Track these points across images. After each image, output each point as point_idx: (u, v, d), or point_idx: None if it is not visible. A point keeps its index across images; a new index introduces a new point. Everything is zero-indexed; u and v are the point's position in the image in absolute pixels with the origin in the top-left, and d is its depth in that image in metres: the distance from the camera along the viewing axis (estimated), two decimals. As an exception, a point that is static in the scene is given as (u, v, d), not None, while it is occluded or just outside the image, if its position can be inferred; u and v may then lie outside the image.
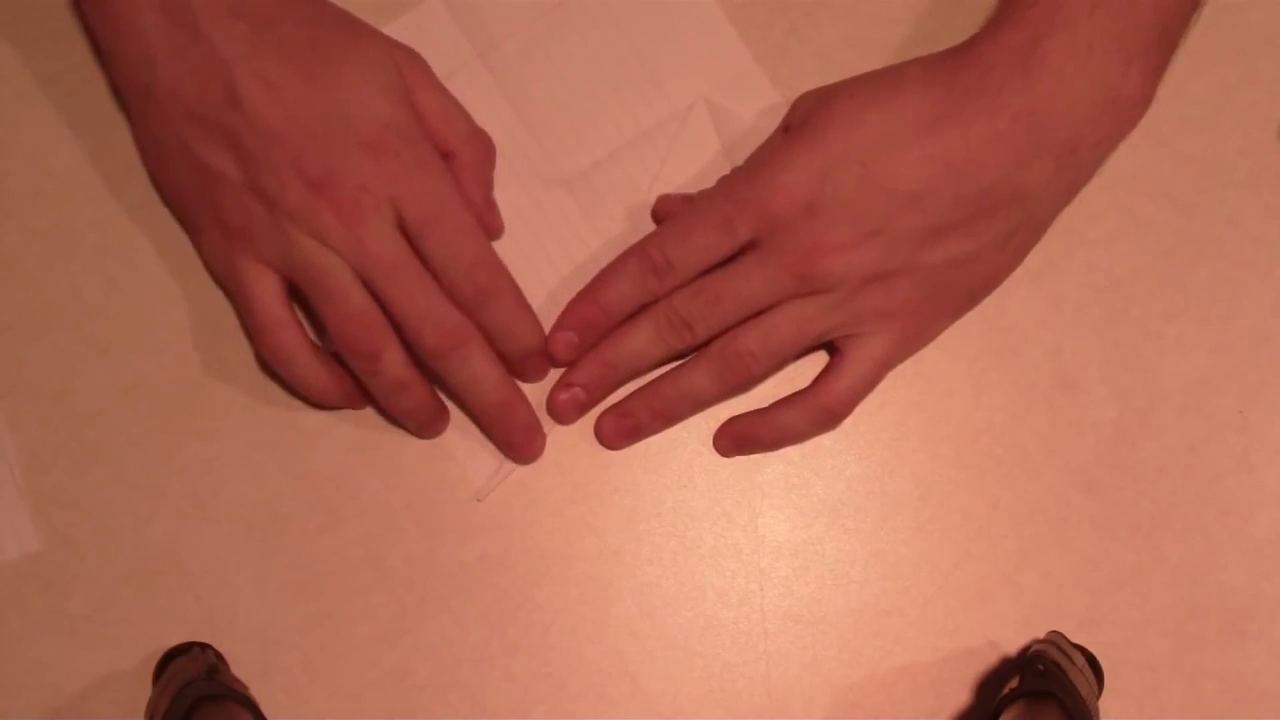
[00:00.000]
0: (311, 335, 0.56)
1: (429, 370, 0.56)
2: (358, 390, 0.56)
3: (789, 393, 0.57)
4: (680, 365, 0.57)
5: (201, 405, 0.57)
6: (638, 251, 0.56)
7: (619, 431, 0.57)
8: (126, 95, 0.57)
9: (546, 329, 0.57)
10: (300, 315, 0.56)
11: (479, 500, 0.57)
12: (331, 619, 0.57)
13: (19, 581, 0.56)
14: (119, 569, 0.57)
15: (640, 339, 0.56)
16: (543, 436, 0.57)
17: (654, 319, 0.56)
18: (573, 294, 0.57)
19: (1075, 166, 0.54)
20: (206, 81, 0.53)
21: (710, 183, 0.57)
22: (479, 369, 0.55)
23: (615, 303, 0.56)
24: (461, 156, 0.56)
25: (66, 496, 0.57)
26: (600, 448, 0.58)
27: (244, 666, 0.55)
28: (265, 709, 0.51)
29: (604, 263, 0.57)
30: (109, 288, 0.58)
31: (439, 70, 0.58)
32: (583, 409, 0.57)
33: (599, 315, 0.56)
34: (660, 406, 0.57)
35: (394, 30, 0.58)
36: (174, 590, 0.56)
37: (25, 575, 0.56)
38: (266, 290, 0.54)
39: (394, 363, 0.54)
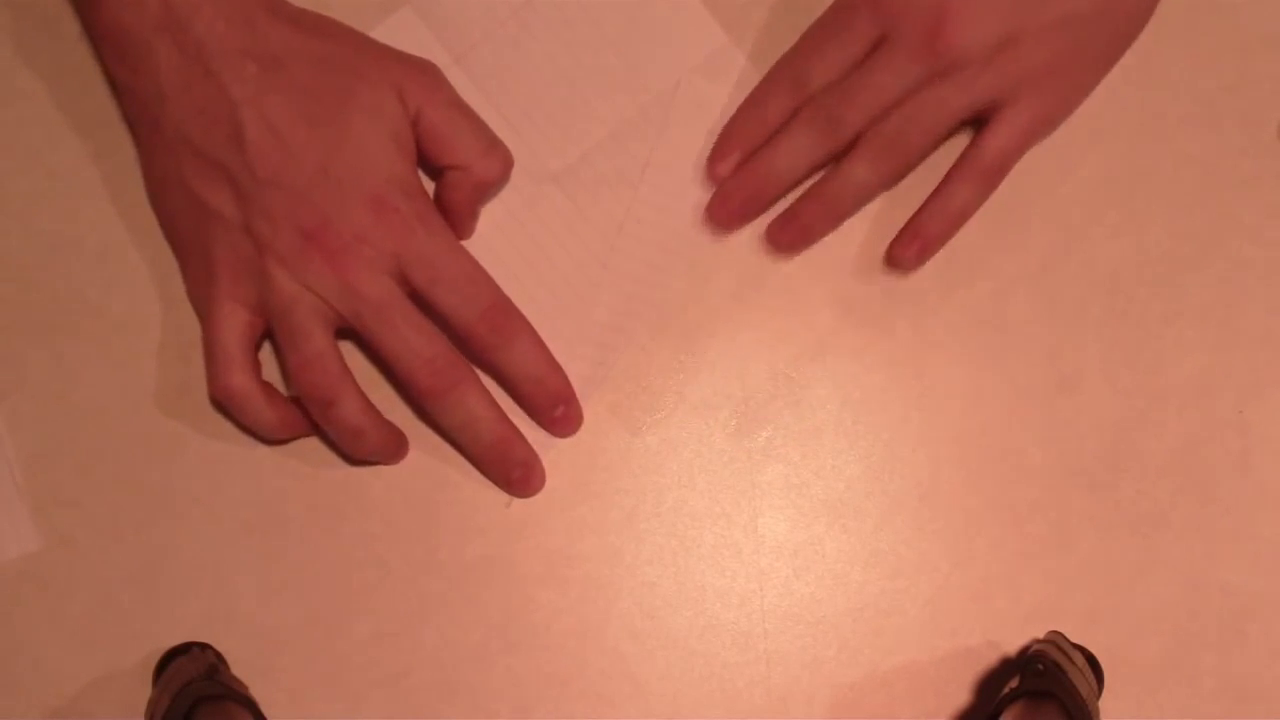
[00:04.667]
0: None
1: (422, 411, 0.56)
2: (309, 424, 0.57)
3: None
4: (839, 163, 0.57)
5: (202, 405, 0.57)
6: (784, 67, 0.58)
7: (789, 234, 0.58)
8: (136, 126, 0.57)
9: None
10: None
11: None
12: (331, 619, 0.57)
13: (19, 581, 0.56)
14: (119, 569, 0.57)
15: (799, 140, 0.57)
16: (541, 468, 0.57)
17: (806, 121, 0.57)
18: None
19: None
20: (213, 121, 0.53)
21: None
22: (475, 408, 0.55)
23: (768, 117, 0.57)
24: (472, 169, 0.56)
25: (66, 496, 0.57)
26: (599, 448, 0.58)
27: (244, 666, 0.55)
28: (265, 709, 0.51)
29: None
30: (109, 288, 0.58)
31: None
32: (745, 219, 0.58)
33: (757, 130, 0.58)
34: (827, 204, 0.58)
35: None
36: (174, 590, 0.56)
37: (25, 575, 0.56)
38: (233, 328, 0.54)
39: (350, 410, 0.55)
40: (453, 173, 0.56)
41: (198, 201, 0.54)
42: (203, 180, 0.54)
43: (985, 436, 0.58)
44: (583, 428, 0.58)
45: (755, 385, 0.58)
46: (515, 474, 0.57)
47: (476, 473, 0.57)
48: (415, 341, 0.54)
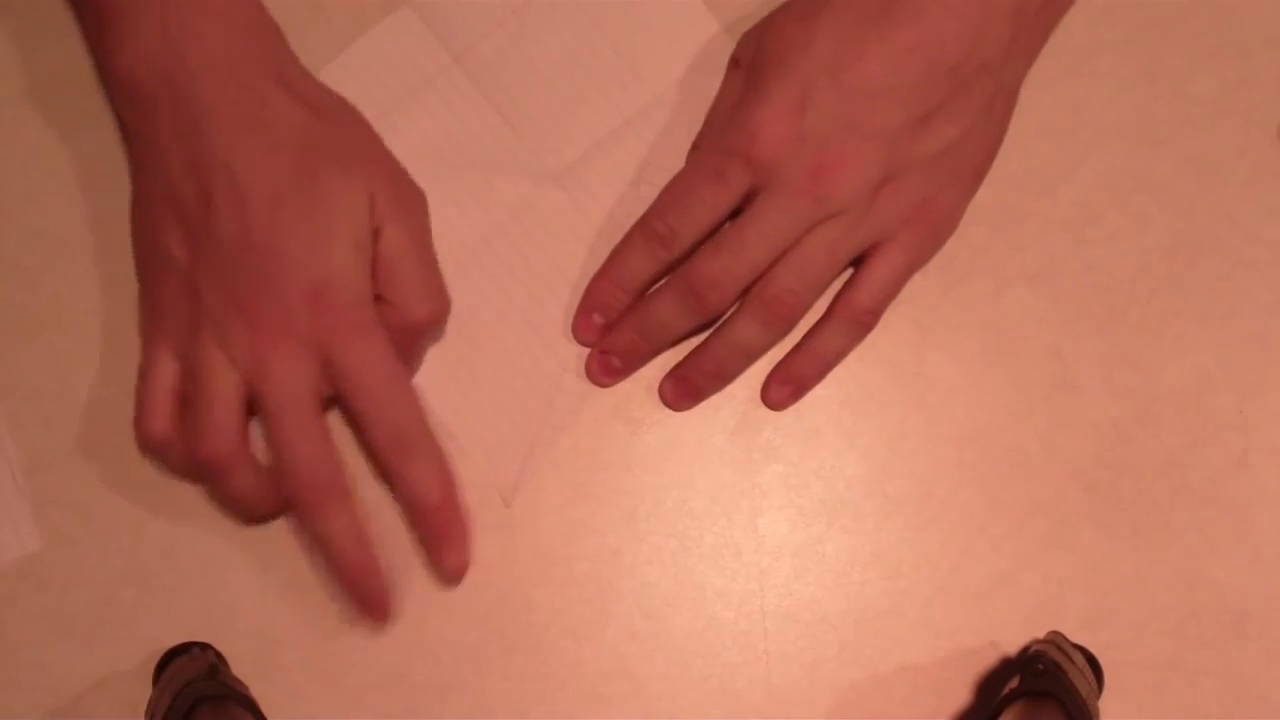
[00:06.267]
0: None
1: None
2: None
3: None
4: (725, 320, 0.57)
5: (201, 405, 0.57)
6: (641, 225, 0.57)
7: (679, 394, 0.58)
8: (137, 167, 0.57)
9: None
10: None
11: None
12: (331, 619, 0.57)
13: (19, 581, 0.56)
14: (119, 569, 0.57)
15: (665, 308, 0.56)
16: (387, 608, 0.55)
17: (676, 295, 0.56)
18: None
19: (1029, 27, 0.56)
20: (194, 177, 0.53)
21: None
22: (336, 530, 0.54)
23: (630, 279, 0.57)
24: (401, 309, 0.54)
25: (66, 496, 0.57)
26: (599, 448, 0.58)
27: (244, 666, 0.55)
28: (265, 709, 0.51)
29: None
30: (109, 288, 0.58)
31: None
32: (620, 375, 0.58)
33: (617, 294, 0.57)
34: (713, 366, 0.57)
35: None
36: (174, 590, 0.56)
37: (25, 575, 0.56)
38: (161, 376, 0.54)
39: (238, 487, 0.54)
40: (383, 306, 0.54)
41: (160, 245, 0.54)
42: (168, 228, 0.54)
43: (985, 436, 0.58)
44: (583, 428, 0.58)
45: (755, 384, 0.58)
46: (368, 605, 0.55)
47: (475, 473, 0.57)
48: (300, 449, 0.53)
